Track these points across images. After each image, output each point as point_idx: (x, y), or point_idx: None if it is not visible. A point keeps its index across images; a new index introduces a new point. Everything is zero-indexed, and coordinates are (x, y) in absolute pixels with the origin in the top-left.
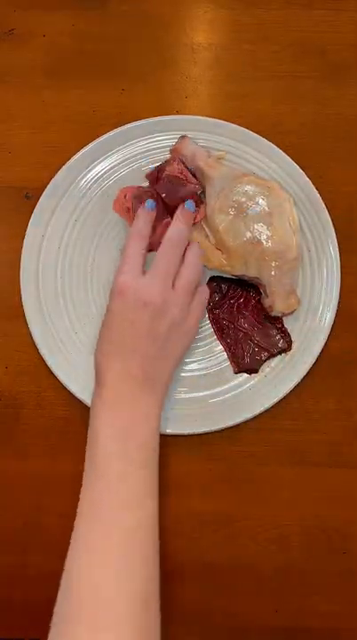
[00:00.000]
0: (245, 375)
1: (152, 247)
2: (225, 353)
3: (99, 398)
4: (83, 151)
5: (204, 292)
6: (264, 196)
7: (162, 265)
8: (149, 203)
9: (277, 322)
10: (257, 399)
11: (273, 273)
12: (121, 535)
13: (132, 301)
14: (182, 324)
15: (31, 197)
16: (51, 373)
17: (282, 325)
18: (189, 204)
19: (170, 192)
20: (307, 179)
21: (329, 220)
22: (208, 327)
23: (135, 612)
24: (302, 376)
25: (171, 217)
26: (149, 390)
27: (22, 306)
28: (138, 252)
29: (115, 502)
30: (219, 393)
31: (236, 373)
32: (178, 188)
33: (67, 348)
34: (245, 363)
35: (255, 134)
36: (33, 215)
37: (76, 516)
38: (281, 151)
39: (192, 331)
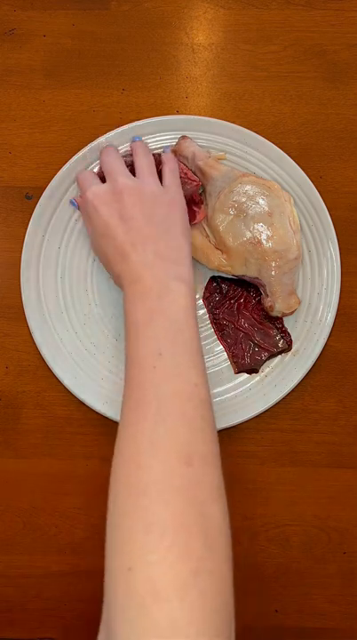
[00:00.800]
0: (245, 375)
1: None
2: (225, 353)
3: (127, 299)
4: (83, 151)
5: (170, 160)
6: (264, 195)
7: (142, 166)
8: (137, 137)
9: (277, 322)
10: (258, 399)
11: (273, 273)
12: (159, 402)
13: (108, 199)
14: (166, 194)
15: (31, 197)
16: (51, 373)
17: (282, 325)
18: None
19: None
20: (307, 179)
21: (330, 219)
22: (208, 327)
23: (172, 471)
24: (302, 376)
25: None
26: (174, 272)
27: (22, 306)
28: (118, 159)
29: (159, 376)
30: (219, 393)
31: (236, 373)
32: None
33: (67, 348)
34: (245, 363)
35: (255, 134)
36: (33, 215)
37: (121, 413)
38: (281, 151)
39: (178, 199)
